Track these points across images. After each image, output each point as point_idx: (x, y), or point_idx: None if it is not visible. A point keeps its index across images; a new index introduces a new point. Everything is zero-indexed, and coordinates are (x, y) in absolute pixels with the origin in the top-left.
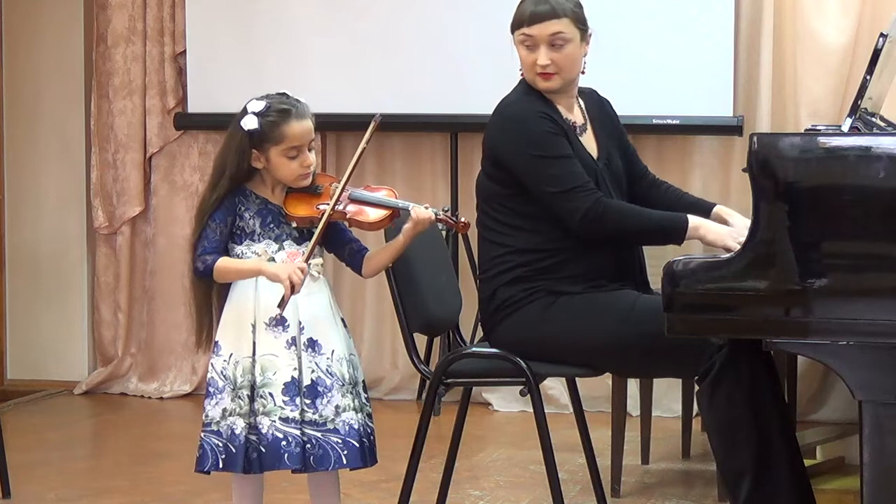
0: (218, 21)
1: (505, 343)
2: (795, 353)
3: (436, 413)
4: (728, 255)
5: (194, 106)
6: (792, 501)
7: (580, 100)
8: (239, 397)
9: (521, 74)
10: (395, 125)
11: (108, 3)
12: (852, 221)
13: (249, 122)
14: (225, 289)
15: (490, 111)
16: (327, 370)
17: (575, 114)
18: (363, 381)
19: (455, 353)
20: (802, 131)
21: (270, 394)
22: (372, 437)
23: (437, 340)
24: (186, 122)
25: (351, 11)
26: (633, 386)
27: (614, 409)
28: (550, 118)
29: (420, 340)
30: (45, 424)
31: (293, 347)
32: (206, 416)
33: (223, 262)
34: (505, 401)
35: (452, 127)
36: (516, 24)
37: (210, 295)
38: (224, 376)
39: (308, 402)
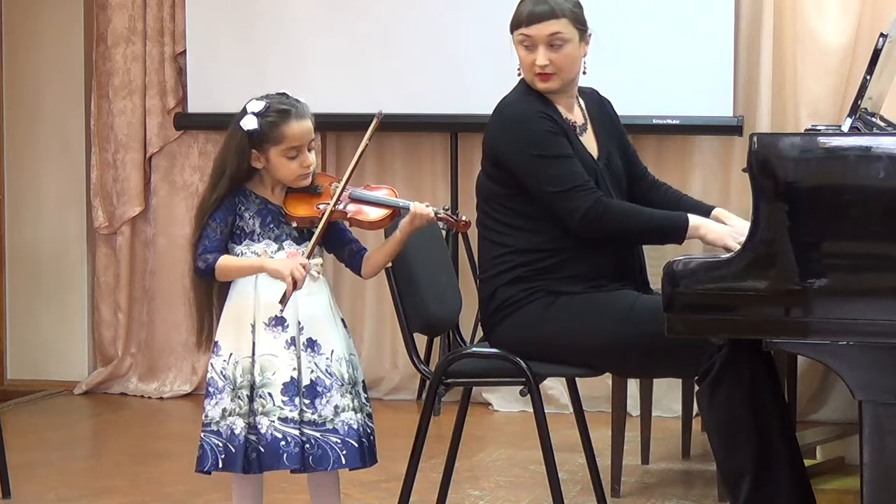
0: (218, 21)
1: (505, 343)
2: (795, 353)
3: (436, 413)
4: (728, 255)
5: (194, 106)
6: (792, 501)
7: (580, 99)
8: (238, 397)
9: (519, 74)
10: (395, 125)
11: (108, 3)
12: (852, 221)
13: (249, 123)
14: (225, 289)
15: (490, 111)
16: (326, 370)
17: (575, 113)
18: (363, 381)
19: (455, 353)
20: (802, 131)
21: (269, 394)
22: (372, 437)
23: (437, 340)
24: (186, 122)
25: (351, 11)
26: (633, 386)
27: (614, 409)
28: (550, 118)
29: (420, 340)
30: (45, 424)
31: (292, 347)
32: (206, 416)
33: (224, 261)
34: (505, 401)
35: (452, 127)
36: (515, 25)
37: (210, 295)
38: (224, 376)
39: (307, 402)
